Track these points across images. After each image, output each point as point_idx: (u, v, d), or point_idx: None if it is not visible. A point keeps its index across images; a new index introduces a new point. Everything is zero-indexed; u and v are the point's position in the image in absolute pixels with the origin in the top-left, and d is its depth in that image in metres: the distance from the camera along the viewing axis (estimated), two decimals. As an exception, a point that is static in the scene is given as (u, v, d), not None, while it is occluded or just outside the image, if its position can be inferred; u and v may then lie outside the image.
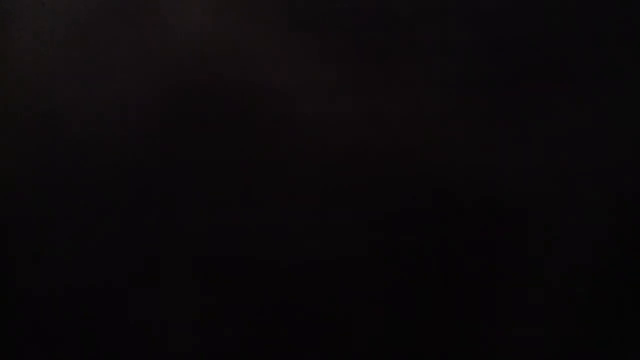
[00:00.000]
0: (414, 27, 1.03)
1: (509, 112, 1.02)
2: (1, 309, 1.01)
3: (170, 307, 1.01)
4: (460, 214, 1.00)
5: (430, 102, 1.02)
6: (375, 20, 1.03)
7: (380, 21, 1.03)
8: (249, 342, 1.01)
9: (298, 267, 1.01)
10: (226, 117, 1.03)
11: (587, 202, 1.00)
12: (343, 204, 1.01)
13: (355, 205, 1.01)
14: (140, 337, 1.01)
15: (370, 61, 1.03)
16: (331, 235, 1.01)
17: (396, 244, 1.00)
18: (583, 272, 1.00)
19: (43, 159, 1.03)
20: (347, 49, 1.03)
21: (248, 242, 1.01)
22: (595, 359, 0.99)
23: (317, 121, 1.02)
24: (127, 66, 1.04)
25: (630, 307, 0.99)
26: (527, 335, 0.99)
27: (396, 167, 1.01)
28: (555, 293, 1.00)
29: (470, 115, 1.02)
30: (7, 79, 1.04)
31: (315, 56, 1.03)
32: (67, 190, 1.03)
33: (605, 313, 0.99)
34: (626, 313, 0.99)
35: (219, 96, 1.03)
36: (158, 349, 1.01)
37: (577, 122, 1.02)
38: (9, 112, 1.04)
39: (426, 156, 1.01)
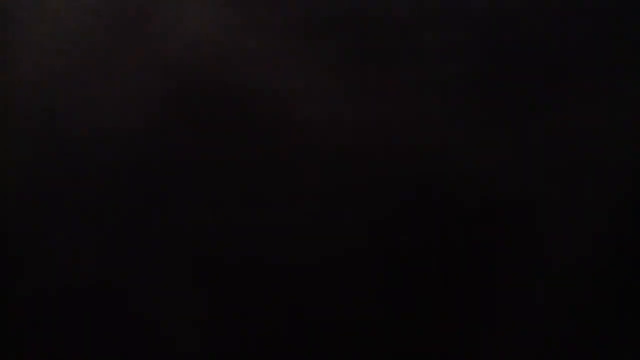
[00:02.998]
0: (413, 30, 1.03)
1: (509, 113, 1.01)
2: (1, 309, 1.01)
3: (171, 307, 1.01)
4: (460, 214, 1.00)
5: (430, 103, 1.02)
6: (375, 23, 1.03)
7: (380, 24, 1.03)
8: (250, 341, 1.00)
9: (298, 268, 1.01)
10: (226, 120, 1.02)
11: (587, 202, 1.00)
12: (343, 205, 1.01)
13: (355, 206, 1.01)
14: (141, 337, 1.01)
15: (370, 63, 1.03)
16: (331, 236, 1.01)
17: (396, 245, 1.00)
18: (583, 272, 0.99)
19: (43, 160, 1.03)
20: (347, 51, 1.03)
21: (248, 242, 1.01)
22: (595, 359, 0.99)
23: (318, 123, 1.02)
24: (128, 69, 1.04)
25: (630, 307, 0.99)
26: (527, 335, 0.99)
27: (396, 168, 1.01)
28: (555, 293, 0.99)
29: (470, 116, 1.01)
30: (7, 80, 1.04)
31: (315, 59, 1.03)
32: (67, 191, 1.02)
33: (605, 313, 0.99)
34: (626, 313, 0.99)
35: (219, 99, 1.03)
36: (159, 349, 1.00)
37: (577, 122, 1.01)
38: (9, 114, 1.04)
39: (426, 157, 1.01)
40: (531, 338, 0.99)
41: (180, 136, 1.03)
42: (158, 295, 1.01)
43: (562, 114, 1.01)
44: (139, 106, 1.03)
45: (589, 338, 0.99)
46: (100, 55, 1.04)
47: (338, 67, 1.03)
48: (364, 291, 1.00)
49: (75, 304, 1.01)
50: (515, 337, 0.99)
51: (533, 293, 0.99)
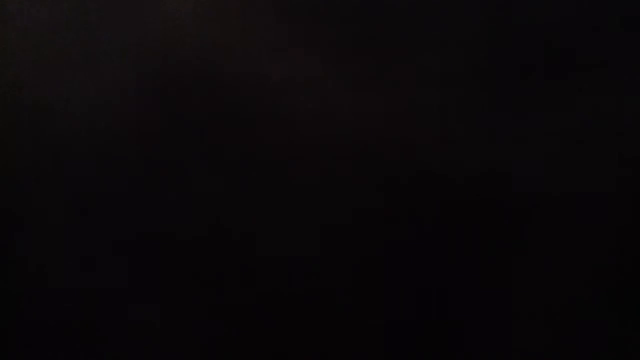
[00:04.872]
0: (411, 19, 1.02)
1: (510, 106, 1.01)
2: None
3: (167, 306, 1.00)
4: (460, 209, 1.00)
5: (429, 95, 1.01)
6: (372, 12, 1.02)
7: (377, 13, 1.02)
8: (247, 341, 1.00)
9: (295, 264, 1.00)
10: (218, 111, 1.02)
11: (591, 198, 0.99)
12: (340, 199, 1.01)
13: (353, 200, 1.00)
14: (136, 337, 1.00)
15: (367, 54, 1.02)
16: (328, 231, 1.00)
17: (394, 239, 1.00)
18: (587, 271, 0.99)
19: (28, 152, 1.02)
20: (341, 39, 1.02)
21: (243, 237, 1.01)
22: (595, 358, 0.98)
23: (308, 115, 1.02)
24: (117, 58, 1.03)
25: (633, 306, 0.99)
26: (530, 334, 0.99)
27: (395, 161, 1.01)
28: (558, 291, 0.99)
29: (470, 108, 1.01)
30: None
31: (310, 49, 1.02)
32: (53, 184, 1.02)
33: (609, 312, 0.99)
34: (629, 312, 0.99)
35: (211, 90, 1.02)
36: (155, 348, 1.00)
37: (581, 115, 1.01)
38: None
39: (425, 150, 1.01)
40: (533, 338, 0.99)
41: (173, 130, 1.02)
42: (151, 294, 1.00)
43: (565, 107, 1.01)
44: (130, 98, 1.03)
45: (591, 338, 0.98)
46: (79, 47, 1.03)
47: (331, 56, 1.02)
48: (361, 288, 1.00)
49: (64, 305, 1.01)
50: (517, 336, 0.99)
51: (536, 291, 0.99)
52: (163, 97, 1.02)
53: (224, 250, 1.01)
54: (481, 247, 0.99)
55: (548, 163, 1.00)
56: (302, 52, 1.02)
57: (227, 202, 1.01)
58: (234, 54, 1.02)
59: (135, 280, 1.00)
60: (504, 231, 0.99)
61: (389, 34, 1.02)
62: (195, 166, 1.01)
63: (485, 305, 0.99)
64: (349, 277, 1.00)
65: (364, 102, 1.01)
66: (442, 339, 0.99)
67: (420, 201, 1.00)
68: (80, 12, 1.03)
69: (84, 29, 1.03)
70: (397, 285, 0.99)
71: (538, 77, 1.01)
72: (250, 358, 0.99)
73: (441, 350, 0.99)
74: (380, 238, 1.00)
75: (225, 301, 1.00)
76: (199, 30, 1.02)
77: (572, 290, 0.99)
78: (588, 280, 0.98)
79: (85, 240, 1.01)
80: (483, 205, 1.00)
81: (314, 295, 1.00)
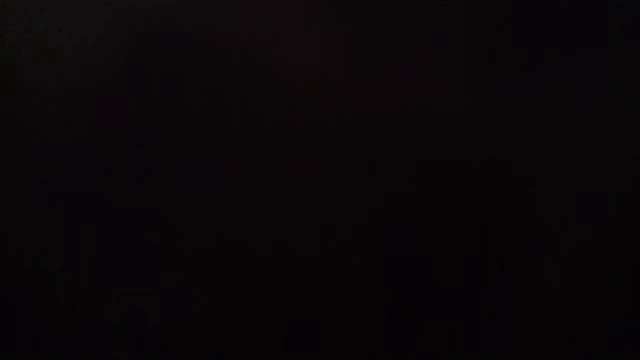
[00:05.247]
0: None
1: (516, 66, 0.99)
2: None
3: (167, 304, 1.01)
4: (463, 175, 0.99)
5: (430, 55, 1.00)
6: None
7: None
8: (246, 340, 1.01)
9: (291, 246, 1.00)
10: (210, 76, 1.01)
11: (594, 160, 0.98)
12: (340, 168, 1.00)
13: (353, 168, 1.00)
14: (135, 335, 1.01)
15: (363, 11, 1.01)
16: (328, 202, 1.00)
17: (394, 211, 0.99)
18: (594, 247, 0.98)
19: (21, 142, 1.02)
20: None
21: (234, 218, 1.00)
22: (595, 357, 0.98)
23: (305, 72, 1.00)
24: (91, 17, 1.01)
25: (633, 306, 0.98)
26: (537, 319, 0.98)
27: (395, 125, 1.00)
28: (560, 272, 0.98)
29: (474, 69, 1.00)
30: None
31: (307, 9, 1.01)
32: (34, 168, 1.01)
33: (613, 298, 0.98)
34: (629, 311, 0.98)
35: (203, 55, 1.01)
36: (155, 347, 1.01)
37: (593, 75, 0.99)
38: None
39: (426, 114, 1.00)
40: (541, 321, 0.98)
41: (160, 100, 1.01)
42: (139, 289, 1.01)
43: (574, 68, 0.99)
44: (104, 64, 1.01)
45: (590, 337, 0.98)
46: (61, 8, 1.02)
47: (331, 18, 1.00)
48: (361, 260, 0.99)
49: (46, 303, 1.02)
50: (523, 322, 0.98)
51: (538, 262, 0.98)
52: (149, 56, 1.01)
53: (213, 237, 1.00)
54: (485, 213, 0.98)
55: (549, 126, 0.99)
56: (302, 14, 1.01)
57: (219, 174, 1.00)
58: (233, 20, 1.00)
59: (134, 279, 1.01)
60: (508, 199, 0.99)
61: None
62: (190, 139, 1.00)
63: (485, 277, 0.98)
64: (345, 250, 0.99)
65: (360, 59, 1.00)
66: (442, 328, 0.99)
67: (418, 161, 0.99)
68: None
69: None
70: (394, 259, 0.99)
71: (546, 37, 0.99)
72: (249, 357, 1.00)
73: (442, 334, 0.99)
74: (376, 203, 0.99)
75: (225, 300, 1.00)
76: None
77: (576, 271, 0.98)
78: (592, 256, 0.98)
79: (83, 237, 1.01)
80: (484, 167, 0.99)
81: (307, 273, 1.00)
